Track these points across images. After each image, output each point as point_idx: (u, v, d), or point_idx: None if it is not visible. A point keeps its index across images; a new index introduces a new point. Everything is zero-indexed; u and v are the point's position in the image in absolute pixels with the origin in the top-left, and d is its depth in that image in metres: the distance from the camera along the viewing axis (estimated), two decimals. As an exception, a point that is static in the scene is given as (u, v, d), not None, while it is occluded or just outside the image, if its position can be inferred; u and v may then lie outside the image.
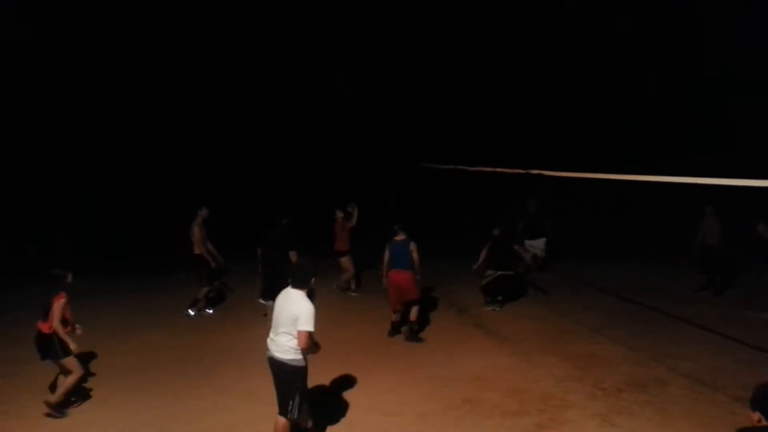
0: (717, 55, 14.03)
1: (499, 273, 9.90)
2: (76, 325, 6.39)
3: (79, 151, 15.47)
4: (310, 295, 5.19)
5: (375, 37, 17.23)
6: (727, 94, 14.43)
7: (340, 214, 10.83)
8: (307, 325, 4.95)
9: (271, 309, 7.84)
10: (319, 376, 7.10)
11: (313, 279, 5.25)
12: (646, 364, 7.52)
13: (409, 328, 8.66)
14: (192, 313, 9.80)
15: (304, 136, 18.22)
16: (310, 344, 5.01)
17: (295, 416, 5.12)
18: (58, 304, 6.10)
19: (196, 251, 9.53)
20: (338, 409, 6.31)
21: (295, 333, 4.97)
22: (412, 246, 8.45)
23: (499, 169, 11.08)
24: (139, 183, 16.49)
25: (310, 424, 5.35)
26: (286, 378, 5.09)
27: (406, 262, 8.42)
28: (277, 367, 5.11)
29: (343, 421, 6.08)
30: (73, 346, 6.14)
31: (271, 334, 5.17)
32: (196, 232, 9.50)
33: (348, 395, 6.68)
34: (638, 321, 9.34)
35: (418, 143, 16.91)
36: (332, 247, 10.89)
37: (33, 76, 14.53)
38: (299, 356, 5.07)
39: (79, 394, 6.62)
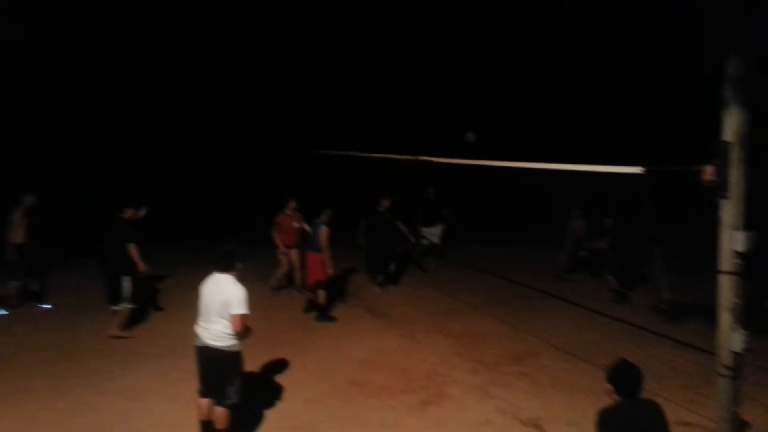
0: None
1: (377, 249, 10.11)
2: None
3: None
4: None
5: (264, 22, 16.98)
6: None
7: (292, 204, 9.81)
8: (241, 308, 4.88)
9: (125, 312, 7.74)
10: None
11: (239, 263, 5.13)
12: (522, 338, 8.01)
13: (317, 309, 8.84)
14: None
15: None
16: (245, 328, 4.94)
17: (235, 401, 5.05)
18: None
19: (17, 240, 8.68)
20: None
21: (228, 318, 4.87)
22: (322, 228, 8.64)
23: (390, 156, 11.23)
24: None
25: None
26: (226, 365, 5.00)
27: (315, 244, 8.67)
28: (213, 355, 4.98)
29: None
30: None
31: (202, 323, 5.02)
32: (18, 220, 8.66)
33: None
34: (516, 299, 9.91)
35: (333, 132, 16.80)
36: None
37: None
38: (235, 341, 5.00)
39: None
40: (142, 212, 8.20)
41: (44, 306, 9.13)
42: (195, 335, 5.09)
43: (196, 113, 17.48)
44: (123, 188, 13.71)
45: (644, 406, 3.61)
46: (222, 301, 4.89)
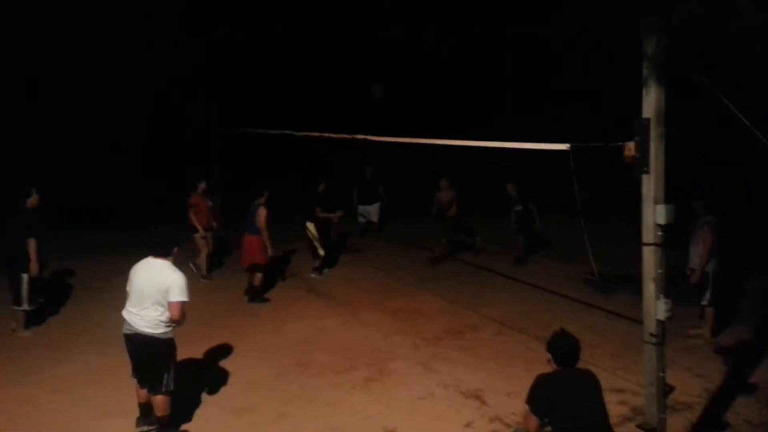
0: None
1: (308, 227, 9.91)
2: None
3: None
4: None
5: None
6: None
7: (202, 186, 9.43)
8: (182, 295, 4.73)
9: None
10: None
11: (175, 248, 4.96)
12: (462, 313, 8.21)
13: (252, 291, 8.76)
14: None
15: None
16: (183, 315, 4.81)
17: (171, 388, 4.91)
18: None
19: None
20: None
21: (166, 306, 4.71)
22: (260, 210, 8.48)
23: (326, 135, 11.13)
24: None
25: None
26: (159, 352, 4.84)
27: (253, 226, 8.51)
28: (146, 342, 4.80)
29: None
30: None
31: (132, 308, 4.80)
32: None
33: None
34: (454, 275, 10.12)
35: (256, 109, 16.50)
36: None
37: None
38: (170, 329, 4.86)
39: None
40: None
41: None
42: (123, 321, 4.91)
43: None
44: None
45: (580, 375, 3.79)
46: (159, 287, 4.73)
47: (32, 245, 7.05)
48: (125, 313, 4.88)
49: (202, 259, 9.63)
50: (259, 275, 8.68)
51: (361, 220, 12.67)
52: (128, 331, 4.86)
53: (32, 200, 7.24)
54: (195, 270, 9.39)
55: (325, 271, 10.15)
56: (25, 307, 7.23)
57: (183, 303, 4.78)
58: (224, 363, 6.62)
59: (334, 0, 16.42)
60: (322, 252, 9.92)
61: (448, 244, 11.25)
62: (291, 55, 17.45)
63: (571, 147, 4.82)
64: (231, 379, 6.23)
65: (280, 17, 16.55)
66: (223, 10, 15.36)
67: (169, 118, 16.68)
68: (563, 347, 3.77)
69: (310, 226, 9.79)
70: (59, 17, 13.88)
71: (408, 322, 7.87)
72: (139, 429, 5.14)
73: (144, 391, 5.04)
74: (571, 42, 15.46)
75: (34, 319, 7.54)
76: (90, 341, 7.17)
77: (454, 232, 11.36)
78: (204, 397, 5.84)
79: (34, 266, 7.10)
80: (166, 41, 15.06)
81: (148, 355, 4.87)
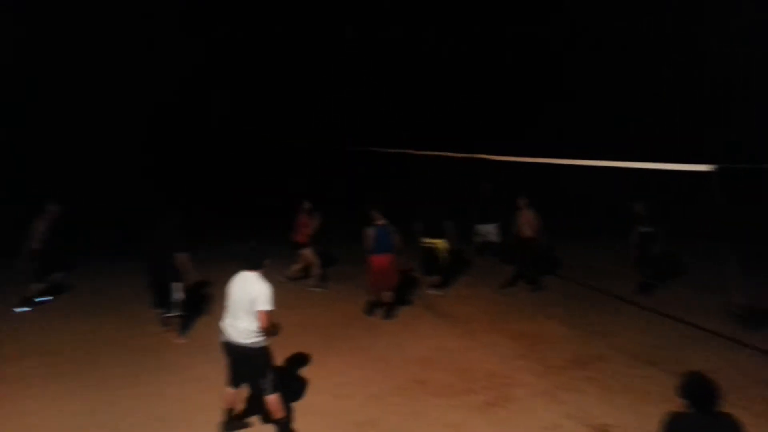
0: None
1: (427, 243, 9.80)
2: None
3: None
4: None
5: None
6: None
7: (307, 205, 10.02)
8: (267, 304, 4.97)
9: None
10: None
11: (266, 260, 5.22)
12: (587, 341, 7.77)
13: (386, 309, 8.73)
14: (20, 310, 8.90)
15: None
16: (271, 324, 5.02)
17: (272, 393, 5.15)
18: None
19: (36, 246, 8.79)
20: (288, 392, 6.20)
21: (255, 315, 4.96)
22: (392, 230, 8.45)
23: (444, 154, 11.10)
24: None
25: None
26: (254, 360, 5.10)
27: (388, 245, 8.40)
28: (239, 351, 5.09)
29: (294, 404, 5.97)
30: None
31: (229, 320, 5.13)
32: (40, 227, 8.80)
33: (297, 378, 6.58)
34: (578, 299, 9.63)
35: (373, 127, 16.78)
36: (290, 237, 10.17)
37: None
38: (261, 338, 5.09)
39: None
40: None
41: (46, 299, 9.21)
42: (221, 331, 5.20)
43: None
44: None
45: (720, 419, 3.39)
46: (248, 299, 4.98)
47: (183, 258, 7.59)
48: (223, 324, 5.18)
49: (317, 272, 10.15)
50: (391, 293, 8.67)
51: (478, 239, 12.43)
52: (224, 340, 5.18)
53: (177, 219, 7.90)
54: (283, 279, 9.95)
55: (443, 289, 10.06)
56: (176, 312, 7.76)
57: (268, 312, 4.99)
58: (343, 375, 6.71)
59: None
60: (443, 268, 9.88)
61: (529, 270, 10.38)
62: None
63: (718, 168, 4.46)
64: (351, 392, 6.29)
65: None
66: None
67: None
68: (699, 392, 3.40)
69: (440, 242, 9.73)
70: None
71: (529, 347, 7.58)
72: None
73: (232, 396, 5.30)
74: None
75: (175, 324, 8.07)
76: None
77: (532, 259, 10.30)
78: (325, 408, 5.94)
79: (187, 276, 7.67)
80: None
81: (244, 364, 5.14)
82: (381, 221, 8.46)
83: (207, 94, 16.61)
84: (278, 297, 9.40)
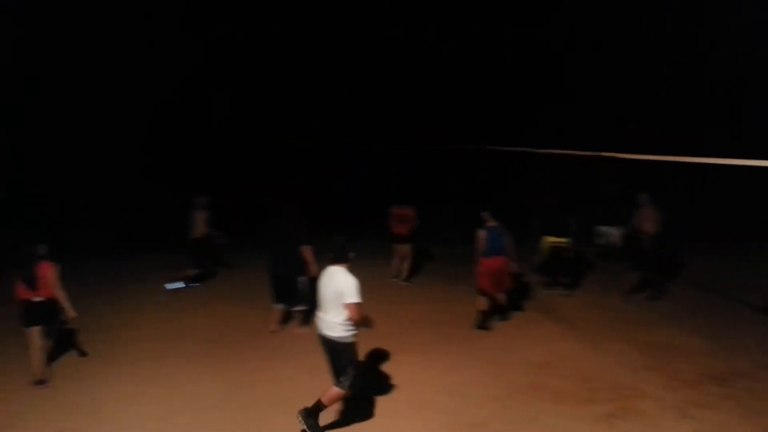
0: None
1: (553, 242, 9.38)
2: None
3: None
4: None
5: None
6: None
7: (398, 203, 10.16)
8: (354, 297, 5.05)
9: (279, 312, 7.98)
10: (381, 355, 7.11)
11: (352, 253, 5.32)
12: (725, 356, 7.09)
13: (500, 313, 8.47)
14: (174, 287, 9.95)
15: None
16: (361, 316, 5.09)
17: (347, 389, 5.23)
18: (51, 271, 6.30)
19: (197, 235, 9.89)
20: (402, 389, 6.26)
21: (342, 309, 5.06)
22: (505, 231, 8.10)
23: (568, 152, 10.69)
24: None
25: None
26: (338, 354, 5.22)
27: (501, 248, 8.05)
28: (328, 344, 5.25)
29: (409, 401, 6.01)
30: (71, 313, 6.44)
31: (320, 313, 5.29)
32: (198, 218, 9.88)
33: (411, 375, 6.61)
34: (715, 311, 8.84)
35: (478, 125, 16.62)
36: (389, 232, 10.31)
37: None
38: (348, 332, 5.19)
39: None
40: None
41: (194, 285, 10.22)
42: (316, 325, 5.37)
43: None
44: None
45: None
46: (336, 292, 5.07)
47: (309, 251, 7.78)
48: (317, 319, 5.33)
49: (395, 263, 10.40)
50: (505, 296, 8.36)
51: (601, 242, 11.79)
52: (318, 333, 5.33)
53: (298, 212, 8.13)
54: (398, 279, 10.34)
55: (570, 290, 9.71)
56: (302, 306, 8.05)
57: (357, 304, 5.03)
58: (458, 374, 6.65)
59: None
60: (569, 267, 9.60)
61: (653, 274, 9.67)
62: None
63: None
64: (465, 391, 6.22)
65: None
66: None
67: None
68: None
69: (565, 241, 9.40)
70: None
71: (658, 358, 7.05)
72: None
73: (334, 393, 5.32)
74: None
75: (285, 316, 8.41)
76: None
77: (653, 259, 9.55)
78: (439, 406, 5.91)
79: (312, 269, 7.76)
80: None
81: (331, 356, 5.27)
82: (492, 223, 8.10)
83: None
84: (390, 293, 9.67)
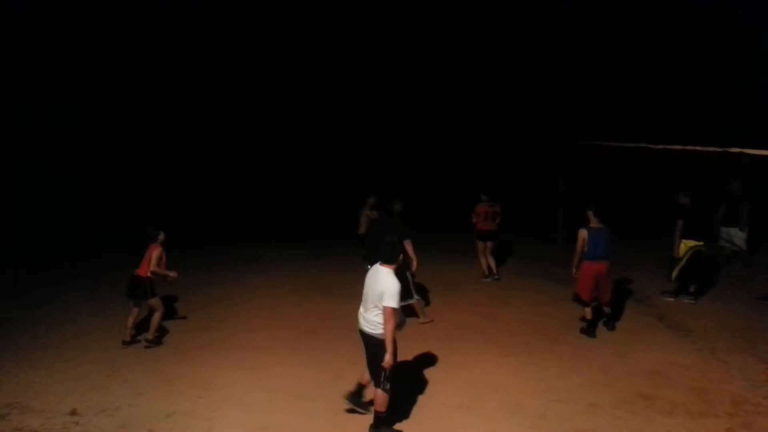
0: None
1: (693, 246, 8.66)
2: (171, 272, 7.60)
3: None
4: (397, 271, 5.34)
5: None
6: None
7: (485, 198, 10.25)
8: (391, 301, 5.07)
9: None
10: (481, 355, 7.14)
11: (401, 256, 5.38)
12: None
13: (607, 321, 8.12)
14: None
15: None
16: (395, 320, 5.12)
17: (387, 387, 5.25)
18: (155, 253, 7.40)
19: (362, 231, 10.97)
20: (502, 391, 6.25)
21: (381, 309, 5.12)
22: (609, 232, 7.76)
23: (690, 147, 10.05)
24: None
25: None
26: (376, 351, 5.25)
27: (606, 251, 7.68)
28: (367, 340, 5.34)
29: (509, 403, 5.99)
30: (172, 274, 7.58)
31: (361, 309, 5.40)
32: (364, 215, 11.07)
33: (513, 377, 6.58)
34: None
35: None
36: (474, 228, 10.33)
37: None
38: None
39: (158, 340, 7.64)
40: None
41: None
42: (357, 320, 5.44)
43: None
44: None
45: None
46: (377, 292, 5.11)
47: (409, 246, 7.82)
48: (359, 313, 5.42)
49: (482, 263, 10.41)
50: (608, 306, 8.04)
51: (724, 244, 10.95)
52: (359, 328, 5.40)
53: (398, 206, 8.54)
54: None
55: (690, 299, 9.06)
56: (416, 298, 8.23)
57: (393, 309, 5.03)
58: (563, 380, 6.51)
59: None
60: (675, 274, 8.92)
61: None
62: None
63: None
64: (570, 398, 6.09)
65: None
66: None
67: (509, 132, 17.23)
68: None
69: (687, 245, 8.73)
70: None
71: (787, 373, 6.52)
72: (346, 400, 5.71)
73: (367, 375, 5.48)
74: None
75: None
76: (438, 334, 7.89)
77: None
78: (542, 411, 5.84)
79: (414, 263, 7.98)
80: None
81: (369, 352, 5.32)
82: (597, 224, 7.74)
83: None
84: (491, 292, 9.59)
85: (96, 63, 15.52)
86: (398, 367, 5.35)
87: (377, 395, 5.32)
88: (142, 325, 7.75)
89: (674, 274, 8.92)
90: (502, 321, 8.42)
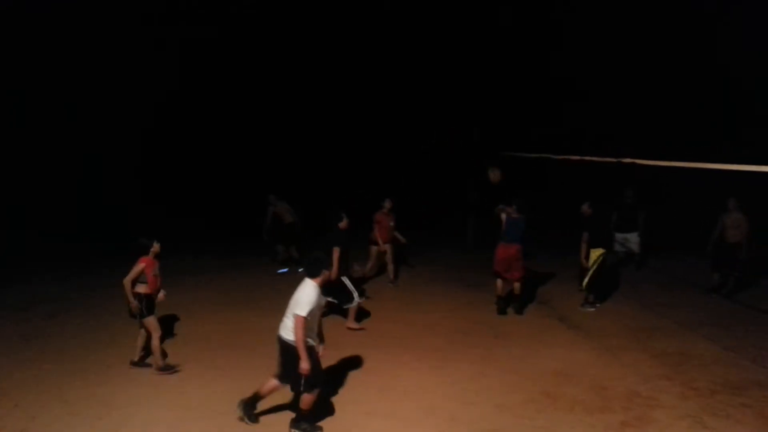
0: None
1: (601, 253, 9.15)
2: (161, 291, 6.91)
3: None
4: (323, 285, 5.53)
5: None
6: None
7: (387, 205, 10.56)
8: (299, 309, 5.22)
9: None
10: (396, 361, 7.22)
11: (324, 270, 5.51)
12: (743, 365, 7.07)
13: (518, 302, 9.17)
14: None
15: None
16: (303, 329, 5.22)
17: (309, 390, 5.37)
18: (137, 267, 6.63)
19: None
20: (416, 396, 6.35)
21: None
22: (525, 221, 8.85)
23: (588, 158, 10.70)
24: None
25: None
26: (291, 358, 5.33)
27: (517, 236, 8.84)
28: (284, 346, 5.43)
29: (423, 407, 6.10)
30: (133, 304, 6.59)
31: (284, 316, 5.48)
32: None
33: (425, 382, 6.70)
34: (734, 319, 8.80)
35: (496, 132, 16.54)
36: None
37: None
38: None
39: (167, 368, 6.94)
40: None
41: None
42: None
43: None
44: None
45: None
46: (294, 300, 5.32)
47: (336, 252, 8.06)
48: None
49: (369, 266, 10.90)
50: (520, 285, 9.10)
51: (619, 249, 11.71)
52: (277, 334, 5.51)
53: (343, 224, 8.58)
54: (358, 268, 10.20)
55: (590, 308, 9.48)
56: (356, 302, 8.39)
57: (301, 317, 5.19)
58: (472, 382, 6.72)
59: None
60: (585, 282, 9.34)
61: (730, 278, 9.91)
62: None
63: None
64: (479, 399, 6.29)
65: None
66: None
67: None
68: None
69: (595, 253, 9.18)
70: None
71: (674, 367, 7.05)
72: (237, 408, 5.68)
73: (272, 387, 5.60)
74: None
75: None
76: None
77: (733, 265, 9.79)
78: (453, 414, 5.99)
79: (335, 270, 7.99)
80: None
81: (285, 358, 5.44)
82: (515, 214, 8.81)
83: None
84: (405, 298, 9.77)
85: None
86: (318, 369, 5.49)
87: (303, 397, 5.41)
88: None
89: (585, 282, 9.37)
90: (416, 327, 8.57)
